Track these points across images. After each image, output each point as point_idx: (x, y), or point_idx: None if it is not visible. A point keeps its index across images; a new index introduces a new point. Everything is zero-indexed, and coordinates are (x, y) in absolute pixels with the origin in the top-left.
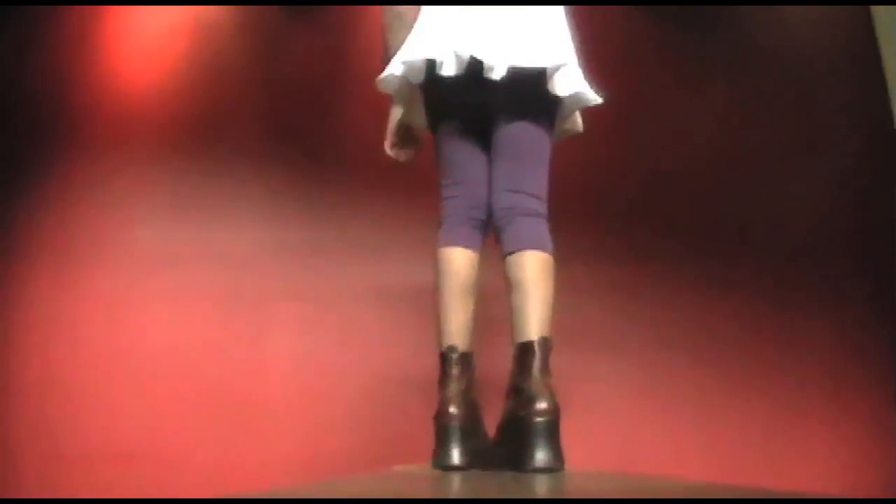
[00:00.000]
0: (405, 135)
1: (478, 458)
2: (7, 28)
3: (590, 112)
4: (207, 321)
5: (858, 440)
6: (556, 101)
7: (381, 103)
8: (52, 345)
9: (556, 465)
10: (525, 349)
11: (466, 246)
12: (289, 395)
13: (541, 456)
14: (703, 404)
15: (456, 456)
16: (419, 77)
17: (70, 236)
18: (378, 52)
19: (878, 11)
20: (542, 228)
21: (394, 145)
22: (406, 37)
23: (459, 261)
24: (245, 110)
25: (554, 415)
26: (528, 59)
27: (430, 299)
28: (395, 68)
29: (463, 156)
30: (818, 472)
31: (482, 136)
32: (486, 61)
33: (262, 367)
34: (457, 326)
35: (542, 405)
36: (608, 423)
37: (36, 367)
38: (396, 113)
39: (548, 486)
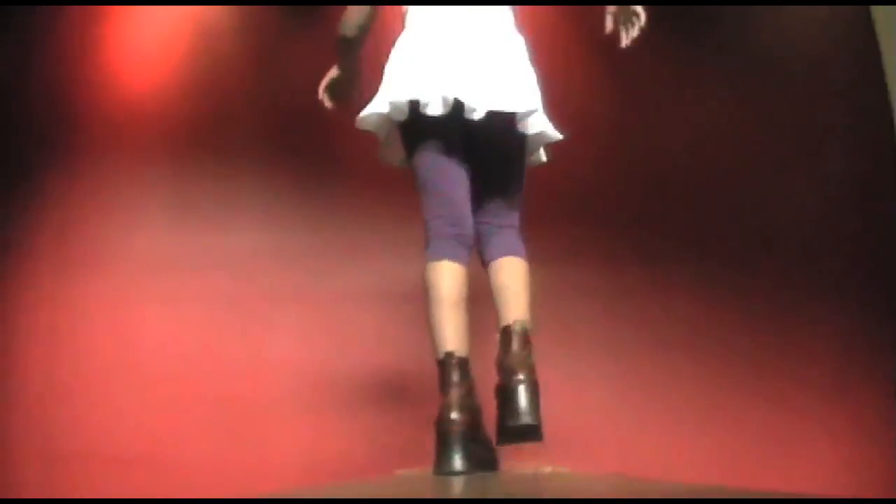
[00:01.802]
0: (337, 89)
1: (480, 463)
2: (7, 32)
3: (592, 117)
4: (207, 325)
5: (859, 442)
6: (524, 136)
7: None
8: (52, 348)
9: (534, 420)
10: (505, 332)
11: (453, 259)
12: (288, 399)
13: (522, 412)
14: (703, 406)
15: (458, 462)
16: (402, 116)
17: (70, 240)
18: (377, 58)
19: (878, 11)
20: (517, 239)
21: (325, 92)
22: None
23: (448, 273)
24: (245, 115)
25: (531, 380)
26: (505, 104)
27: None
28: (380, 107)
29: (445, 178)
30: (818, 473)
31: (461, 159)
32: (469, 104)
33: (261, 370)
34: (453, 333)
35: (520, 375)
36: (609, 425)
37: (37, 371)
38: (335, 71)
39: (550, 487)
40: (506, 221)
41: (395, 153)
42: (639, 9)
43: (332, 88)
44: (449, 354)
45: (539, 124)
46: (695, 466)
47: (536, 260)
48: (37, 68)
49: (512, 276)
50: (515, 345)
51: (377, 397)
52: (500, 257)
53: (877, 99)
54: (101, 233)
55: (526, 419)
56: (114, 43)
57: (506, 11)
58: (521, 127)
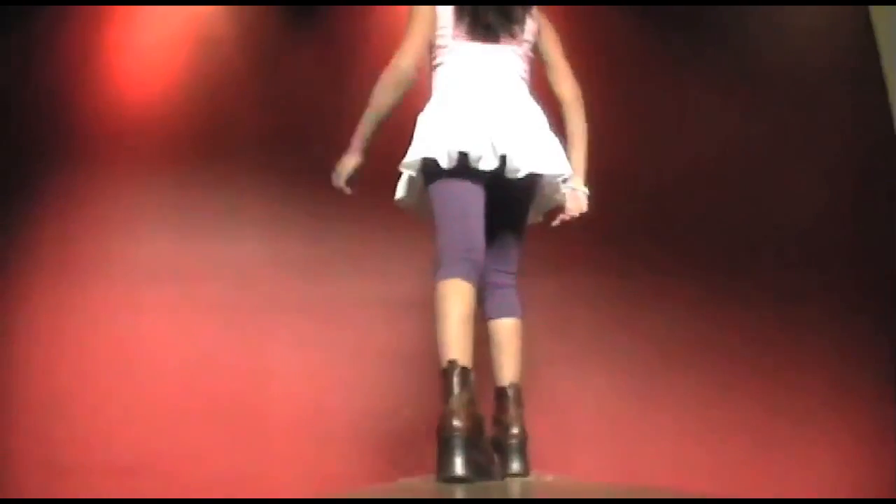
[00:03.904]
0: (354, 174)
1: (481, 471)
2: (8, 41)
3: (593, 125)
4: (209, 334)
5: (859, 448)
6: (534, 195)
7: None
8: (53, 357)
9: (525, 472)
10: (501, 393)
11: (464, 279)
12: (290, 408)
13: (515, 466)
14: (705, 415)
15: (459, 467)
16: (451, 164)
17: (71, 249)
18: (380, 65)
19: (878, 12)
20: (516, 299)
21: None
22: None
23: (458, 289)
24: (247, 123)
25: (522, 436)
26: (544, 168)
27: (431, 311)
28: (431, 153)
29: (465, 208)
30: (819, 480)
31: (481, 200)
32: (514, 164)
33: (263, 379)
34: (458, 343)
35: (514, 430)
36: (612, 433)
37: (38, 380)
38: (351, 159)
39: (551, 495)
40: (509, 269)
41: (423, 205)
42: (584, 205)
43: (350, 175)
44: (452, 363)
45: (558, 187)
46: (697, 475)
47: (541, 271)
48: (37, 75)
49: (509, 337)
50: (510, 406)
51: (379, 406)
52: (500, 318)
53: (877, 101)
54: (101, 241)
55: (516, 470)
56: (115, 50)
57: (525, 84)
58: (541, 187)
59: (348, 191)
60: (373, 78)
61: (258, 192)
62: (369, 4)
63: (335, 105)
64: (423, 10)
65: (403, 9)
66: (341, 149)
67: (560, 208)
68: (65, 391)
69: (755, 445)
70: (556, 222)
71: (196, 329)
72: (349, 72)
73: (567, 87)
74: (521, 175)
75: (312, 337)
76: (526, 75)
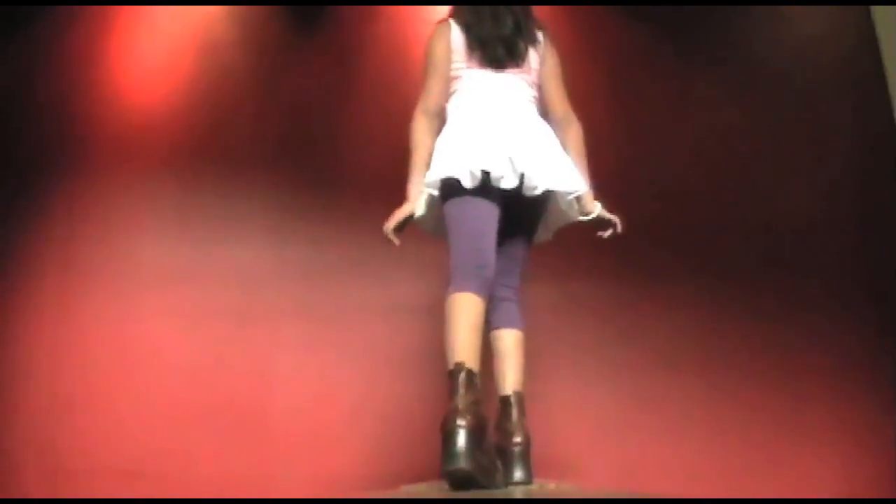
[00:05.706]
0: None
1: (484, 472)
2: (13, 45)
3: (593, 128)
4: (212, 338)
5: (860, 456)
6: (545, 212)
7: (387, 122)
8: (57, 361)
9: (529, 479)
10: (505, 402)
11: (475, 293)
12: (293, 413)
13: (518, 474)
14: (707, 421)
15: (462, 459)
16: (474, 183)
17: (76, 253)
18: (383, 71)
19: (878, 11)
20: (518, 312)
21: (395, 230)
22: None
23: (469, 301)
24: (251, 129)
25: (525, 443)
26: (560, 185)
27: (435, 317)
28: (454, 172)
29: (479, 227)
30: (819, 486)
31: (495, 220)
32: (532, 181)
33: (267, 384)
34: (466, 347)
35: (517, 438)
36: (615, 440)
37: (42, 384)
38: (411, 207)
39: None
40: (513, 283)
41: (436, 223)
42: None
43: (402, 224)
44: (459, 364)
45: (572, 203)
46: (699, 481)
47: (542, 278)
48: (41, 78)
49: (512, 347)
50: (513, 414)
51: (382, 412)
52: (504, 328)
53: (879, 102)
54: (105, 246)
55: (520, 478)
56: (118, 56)
57: (535, 107)
58: (557, 201)
59: (396, 241)
60: (377, 82)
61: (262, 197)
62: (374, 4)
63: (339, 110)
64: (438, 51)
65: (407, 12)
66: (346, 154)
67: (599, 225)
68: (68, 395)
69: (757, 452)
70: (607, 234)
71: (199, 333)
72: (354, 76)
73: (560, 107)
74: (538, 192)
75: (315, 342)
76: (535, 100)
